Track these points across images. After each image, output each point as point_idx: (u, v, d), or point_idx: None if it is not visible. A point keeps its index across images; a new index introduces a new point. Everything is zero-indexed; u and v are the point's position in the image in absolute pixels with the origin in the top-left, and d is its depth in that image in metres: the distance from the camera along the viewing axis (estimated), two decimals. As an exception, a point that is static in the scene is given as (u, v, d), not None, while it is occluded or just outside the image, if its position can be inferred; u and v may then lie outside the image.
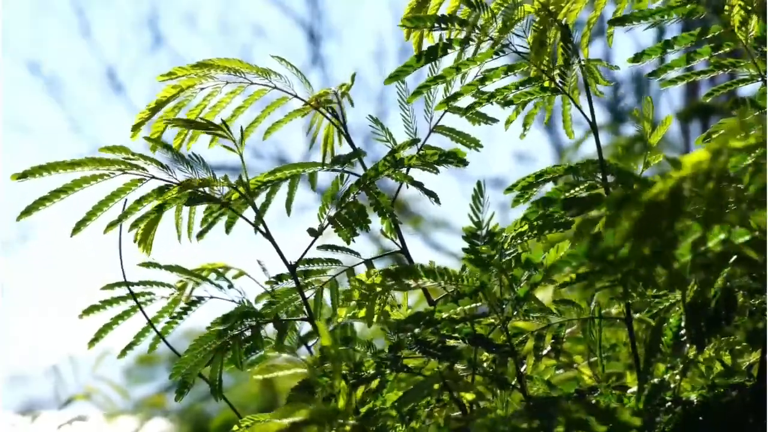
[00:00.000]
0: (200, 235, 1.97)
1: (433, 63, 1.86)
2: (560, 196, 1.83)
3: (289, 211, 2.07)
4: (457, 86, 1.92)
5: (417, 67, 1.84)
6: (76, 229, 1.85)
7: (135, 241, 1.92)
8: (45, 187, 1.83)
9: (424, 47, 1.89)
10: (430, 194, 1.95)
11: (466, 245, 1.72)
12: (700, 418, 1.72)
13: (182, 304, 2.02)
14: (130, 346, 2.01)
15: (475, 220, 1.72)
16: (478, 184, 1.74)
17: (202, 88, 1.97)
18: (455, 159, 1.96)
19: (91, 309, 2.00)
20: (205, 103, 2.00)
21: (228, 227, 2.00)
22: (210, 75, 1.96)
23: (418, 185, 1.96)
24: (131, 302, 2.01)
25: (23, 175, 1.79)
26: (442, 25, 1.80)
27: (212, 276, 2.06)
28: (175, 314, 2.02)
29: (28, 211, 1.81)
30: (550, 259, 1.71)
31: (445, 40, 1.82)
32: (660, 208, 1.26)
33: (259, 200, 2.01)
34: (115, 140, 1.86)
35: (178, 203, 1.92)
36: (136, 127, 1.95)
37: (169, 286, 2.05)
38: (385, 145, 2.01)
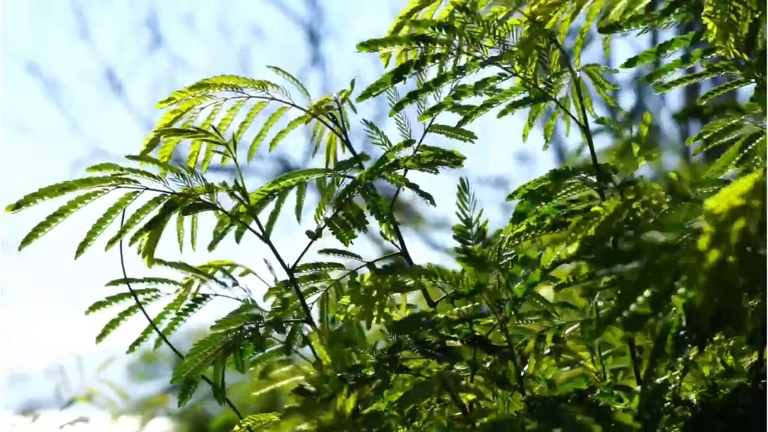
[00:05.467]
0: (211, 247, 1.99)
1: (419, 75, 1.86)
2: (548, 192, 1.83)
3: (299, 218, 2.07)
4: (447, 90, 1.92)
5: (390, 85, 1.84)
6: (79, 250, 1.88)
7: (139, 253, 1.94)
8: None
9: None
10: (426, 196, 1.95)
11: (458, 244, 1.72)
12: (700, 418, 1.72)
13: (188, 301, 2.03)
14: (137, 342, 2.03)
15: (463, 218, 1.72)
16: (461, 181, 1.73)
17: (201, 108, 2.00)
18: (451, 159, 1.96)
19: (97, 305, 2.01)
20: (209, 122, 2.02)
21: (237, 237, 2.01)
22: (208, 94, 1.98)
23: (414, 187, 1.96)
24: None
25: (17, 206, 1.82)
26: (397, 46, 1.80)
27: (218, 274, 2.07)
28: (180, 311, 2.03)
29: (28, 240, 1.84)
30: (546, 259, 1.71)
31: (419, 57, 1.82)
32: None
33: (268, 208, 2.03)
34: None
35: (177, 213, 1.93)
36: (144, 155, 1.96)
37: (175, 283, 2.06)
38: (382, 147, 2.02)
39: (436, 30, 1.77)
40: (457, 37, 1.77)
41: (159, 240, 1.94)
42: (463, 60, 1.81)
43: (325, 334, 1.55)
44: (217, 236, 1.98)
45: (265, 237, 1.96)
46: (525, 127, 2.01)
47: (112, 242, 1.91)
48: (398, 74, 1.83)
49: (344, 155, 2.08)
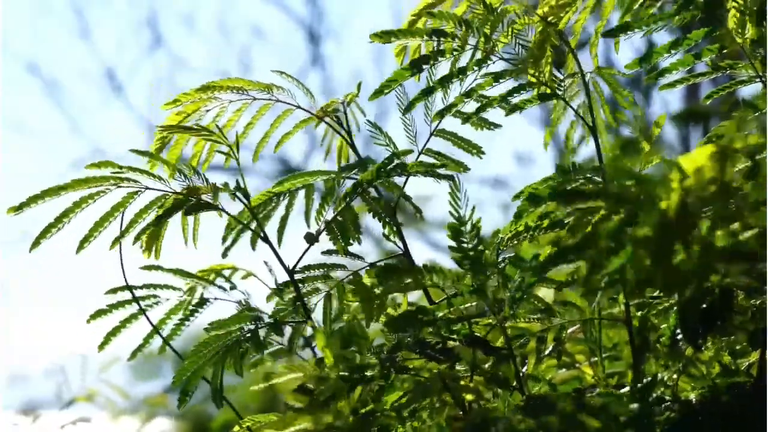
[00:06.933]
0: (224, 255, 2.01)
1: (430, 70, 1.86)
2: (547, 192, 1.83)
3: (308, 222, 2.06)
4: (456, 92, 1.92)
5: (402, 80, 1.83)
6: (80, 247, 1.90)
7: (142, 249, 1.95)
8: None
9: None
10: (417, 209, 1.99)
11: (452, 243, 1.72)
12: (700, 417, 1.72)
13: (189, 306, 2.04)
14: (139, 349, 2.04)
15: (456, 215, 1.72)
16: (453, 180, 1.73)
17: (207, 110, 2.01)
18: (448, 177, 1.96)
19: (99, 313, 2.02)
20: (214, 123, 2.03)
21: (252, 244, 2.02)
22: (214, 96, 1.99)
23: (407, 198, 1.98)
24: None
25: (19, 208, 1.84)
26: (411, 39, 1.79)
27: (216, 277, 2.08)
28: (182, 316, 2.04)
29: (37, 242, 1.87)
30: (542, 257, 1.71)
31: (435, 51, 1.81)
32: (669, 226, 1.27)
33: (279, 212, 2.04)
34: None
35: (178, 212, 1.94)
36: (154, 157, 1.97)
37: (174, 288, 2.06)
38: (385, 149, 2.02)
39: (454, 24, 1.76)
40: (473, 33, 1.75)
41: (160, 236, 1.95)
42: (478, 56, 1.81)
43: (328, 334, 1.55)
44: (228, 243, 2.00)
45: (265, 237, 1.96)
46: (546, 135, 2.02)
47: (115, 241, 1.92)
48: (416, 65, 1.81)
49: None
